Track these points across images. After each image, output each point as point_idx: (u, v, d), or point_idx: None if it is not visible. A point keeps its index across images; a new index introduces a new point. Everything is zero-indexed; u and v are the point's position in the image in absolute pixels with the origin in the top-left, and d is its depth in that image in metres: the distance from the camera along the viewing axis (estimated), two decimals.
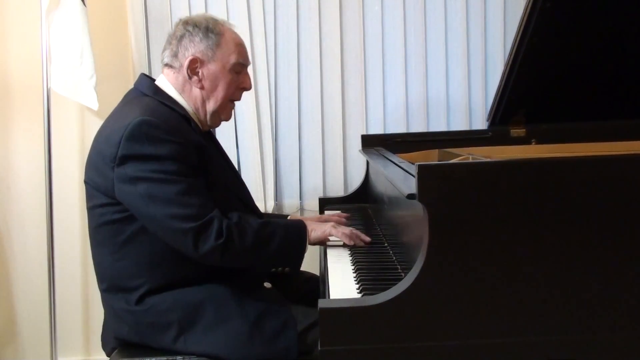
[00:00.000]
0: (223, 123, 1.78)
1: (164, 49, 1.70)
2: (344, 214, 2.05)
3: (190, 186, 1.49)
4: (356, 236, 1.70)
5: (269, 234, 1.56)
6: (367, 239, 1.71)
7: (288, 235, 1.60)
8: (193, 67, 1.65)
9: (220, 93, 1.68)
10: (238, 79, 1.71)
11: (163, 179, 1.47)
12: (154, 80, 1.70)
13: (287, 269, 1.82)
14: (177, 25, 1.70)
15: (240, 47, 1.70)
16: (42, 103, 2.52)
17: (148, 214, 1.49)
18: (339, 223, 1.99)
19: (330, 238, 1.69)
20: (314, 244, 1.68)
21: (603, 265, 1.12)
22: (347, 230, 1.71)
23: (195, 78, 1.66)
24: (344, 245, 1.71)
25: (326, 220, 2.02)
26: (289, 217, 2.00)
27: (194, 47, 1.65)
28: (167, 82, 1.68)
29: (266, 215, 2.12)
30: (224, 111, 1.73)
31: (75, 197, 2.65)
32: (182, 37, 1.66)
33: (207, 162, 1.58)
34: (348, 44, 2.73)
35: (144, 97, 1.63)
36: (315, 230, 1.66)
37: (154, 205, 1.47)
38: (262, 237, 1.55)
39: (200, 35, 1.65)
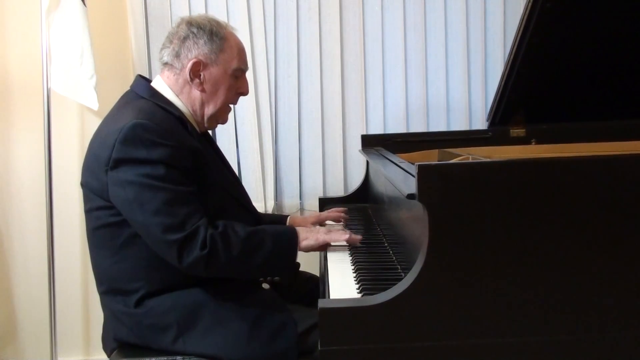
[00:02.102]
0: (219, 125, 1.78)
1: (163, 47, 1.68)
2: (342, 209, 2.05)
3: (179, 194, 1.48)
4: (350, 239, 1.67)
5: (256, 243, 1.51)
6: (358, 237, 1.69)
7: (277, 244, 1.54)
8: (196, 70, 1.64)
9: (220, 97, 1.68)
10: (237, 84, 1.71)
11: (152, 186, 1.46)
12: (150, 81, 1.70)
13: (276, 278, 1.80)
14: (179, 24, 1.68)
15: (241, 53, 1.70)
16: (42, 103, 2.52)
17: (136, 220, 1.48)
18: (336, 220, 2.00)
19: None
20: (306, 251, 1.63)
21: (603, 265, 1.12)
22: (341, 235, 1.66)
23: (197, 81, 1.65)
24: (345, 246, 1.72)
25: (326, 218, 2.04)
26: (289, 217, 2.00)
27: (197, 50, 1.64)
28: (163, 84, 1.67)
29: (265, 215, 2.12)
30: (222, 115, 1.73)
31: (75, 197, 2.64)
32: (185, 38, 1.64)
33: (203, 165, 1.57)
34: (348, 44, 2.73)
35: (139, 99, 1.62)
36: (309, 239, 1.61)
37: (141, 211, 1.46)
38: (249, 247, 1.50)
39: (205, 38, 1.64)
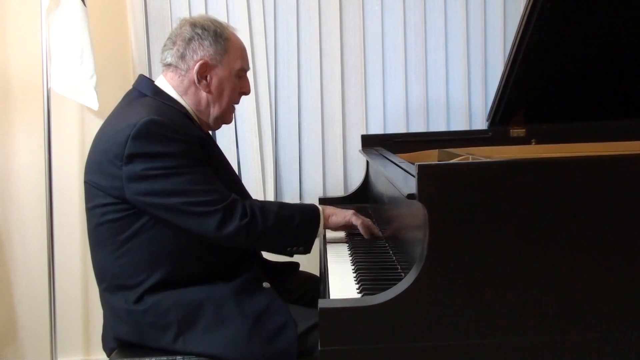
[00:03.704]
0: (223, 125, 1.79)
1: (166, 49, 1.69)
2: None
3: (203, 175, 1.53)
4: (370, 227, 1.79)
5: (288, 215, 1.62)
6: (379, 233, 1.81)
7: (305, 217, 1.66)
8: (202, 71, 1.65)
9: (225, 98, 1.70)
10: (239, 84, 1.73)
11: (175, 173, 1.49)
12: (153, 81, 1.70)
13: (300, 248, 1.83)
14: (181, 25, 1.69)
15: (244, 53, 1.73)
16: (42, 103, 2.52)
17: (167, 206, 1.49)
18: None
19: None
20: (334, 228, 1.77)
21: (603, 265, 1.12)
22: (366, 221, 1.79)
23: (203, 82, 1.66)
24: (346, 242, 1.78)
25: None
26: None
27: (203, 51, 1.65)
28: (167, 84, 1.68)
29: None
30: (227, 115, 1.75)
31: (76, 196, 2.65)
32: (190, 39, 1.65)
33: (210, 158, 1.60)
34: (348, 44, 2.73)
35: (144, 97, 1.64)
36: (336, 214, 1.75)
37: (171, 197, 1.49)
38: (282, 219, 1.60)
39: (210, 39, 1.65)
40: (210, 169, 1.57)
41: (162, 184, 1.48)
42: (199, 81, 1.66)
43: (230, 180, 1.72)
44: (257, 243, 1.60)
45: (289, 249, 1.76)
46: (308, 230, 1.67)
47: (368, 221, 1.81)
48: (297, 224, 1.63)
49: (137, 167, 1.49)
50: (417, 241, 1.20)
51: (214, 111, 1.70)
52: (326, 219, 1.72)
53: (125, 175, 1.50)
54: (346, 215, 1.76)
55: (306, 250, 1.73)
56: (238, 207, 1.52)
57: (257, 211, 1.55)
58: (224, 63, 1.67)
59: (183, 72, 1.66)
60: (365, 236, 1.77)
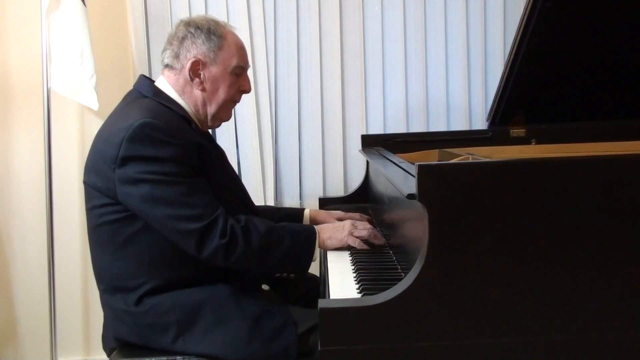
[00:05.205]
0: (223, 123, 1.78)
1: (164, 50, 1.70)
2: (365, 216, 2.00)
3: (193, 187, 1.50)
4: (374, 236, 1.69)
5: (275, 240, 1.55)
6: (381, 240, 1.70)
7: (295, 242, 1.58)
8: (195, 69, 1.65)
9: (221, 95, 1.69)
10: (238, 82, 1.72)
11: (165, 181, 1.48)
12: (154, 81, 1.71)
13: (291, 275, 1.82)
14: (178, 26, 1.70)
15: (241, 50, 1.71)
16: (42, 103, 2.52)
17: (152, 215, 1.49)
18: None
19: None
20: (331, 249, 1.67)
21: (603, 265, 1.13)
22: (364, 233, 1.69)
23: (196, 80, 1.66)
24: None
25: (340, 219, 1.95)
26: (307, 210, 2.00)
27: (196, 49, 1.65)
28: (166, 84, 1.68)
29: (282, 208, 2.12)
30: (225, 113, 1.74)
31: (75, 197, 2.65)
32: (184, 38, 1.66)
33: (206, 161, 1.59)
34: (348, 44, 2.73)
35: (144, 98, 1.64)
36: (332, 238, 1.66)
37: (157, 206, 1.47)
38: (268, 243, 1.53)
39: (203, 37, 1.65)
40: (205, 177, 1.55)
41: (151, 189, 1.47)
42: (192, 79, 1.66)
43: (229, 184, 1.72)
44: (237, 265, 1.52)
45: (277, 275, 1.73)
46: (299, 258, 1.59)
47: (365, 233, 1.68)
48: (285, 251, 1.55)
49: (129, 170, 1.48)
50: (417, 241, 1.20)
51: (211, 109, 1.69)
52: (321, 243, 1.64)
53: (118, 177, 1.49)
54: (343, 239, 1.66)
55: (299, 276, 1.70)
56: (218, 225, 1.47)
57: (239, 232, 1.49)
58: (218, 60, 1.66)
59: (178, 72, 1.67)
60: (369, 248, 1.67)
